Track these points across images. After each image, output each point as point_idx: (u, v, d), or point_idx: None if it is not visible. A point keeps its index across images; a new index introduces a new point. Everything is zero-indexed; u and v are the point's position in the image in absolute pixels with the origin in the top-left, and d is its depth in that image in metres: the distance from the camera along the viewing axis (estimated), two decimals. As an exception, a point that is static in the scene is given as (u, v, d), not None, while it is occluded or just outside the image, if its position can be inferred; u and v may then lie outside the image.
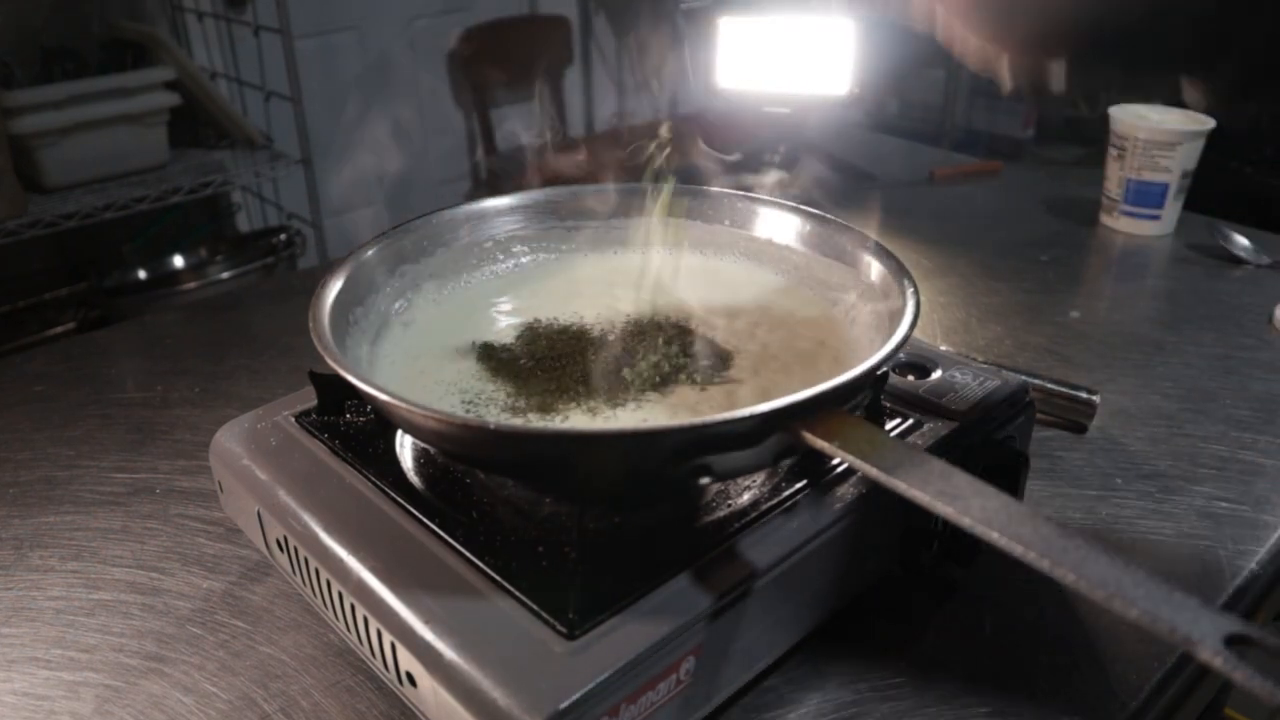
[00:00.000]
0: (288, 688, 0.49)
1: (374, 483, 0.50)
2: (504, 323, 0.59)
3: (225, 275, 1.96)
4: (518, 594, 0.42)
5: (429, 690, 0.41)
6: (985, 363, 0.63)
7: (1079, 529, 0.43)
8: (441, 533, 0.46)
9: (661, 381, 0.51)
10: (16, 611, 0.56)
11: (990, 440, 0.55)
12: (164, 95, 1.83)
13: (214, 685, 0.50)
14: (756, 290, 0.61)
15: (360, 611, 0.44)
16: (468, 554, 0.45)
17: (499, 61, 2.66)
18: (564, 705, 0.37)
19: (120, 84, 1.78)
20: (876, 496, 0.49)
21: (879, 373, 0.49)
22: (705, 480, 0.47)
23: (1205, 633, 0.29)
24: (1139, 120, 1.03)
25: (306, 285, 0.53)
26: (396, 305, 0.58)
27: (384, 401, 0.41)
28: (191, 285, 1.95)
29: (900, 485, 0.37)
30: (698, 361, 0.53)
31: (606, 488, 0.47)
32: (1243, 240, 1.02)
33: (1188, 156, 1.03)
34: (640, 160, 0.60)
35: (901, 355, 0.60)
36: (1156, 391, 0.76)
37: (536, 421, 0.48)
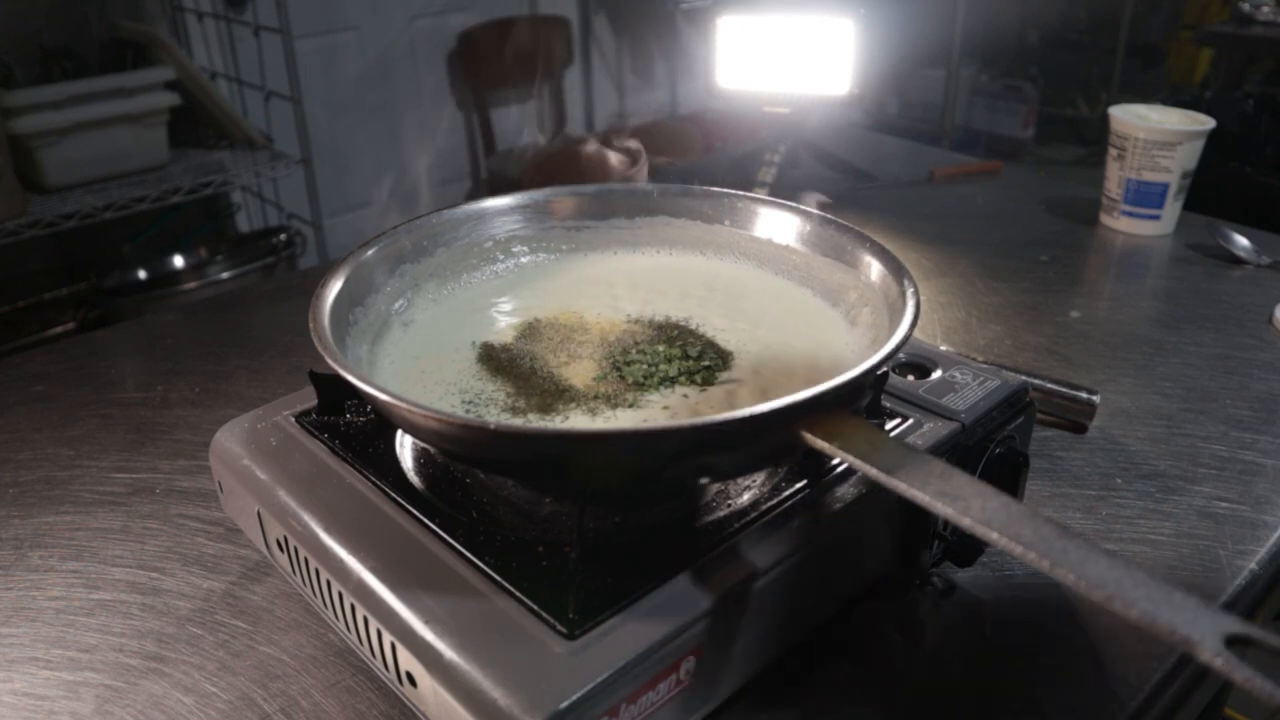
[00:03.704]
0: (288, 688, 0.49)
1: (374, 483, 0.50)
2: (504, 323, 0.59)
3: (225, 275, 1.96)
4: (518, 594, 0.42)
5: (429, 690, 0.41)
6: (985, 363, 0.63)
7: (1079, 529, 0.43)
8: (441, 533, 0.46)
9: (661, 382, 0.51)
10: (16, 611, 0.56)
11: (990, 440, 0.55)
12: (164, 95, 1.83)
13: (214, 685, 0.50)
14: (757, 290, 0.61)
15: (360, 611, 0.44)
16: (468, 554, 0.45)
17: (499, 61, 2.66)
18: (564, 705, 0.37)
19: (120, 84, 1.78)
20: (876, 496, 0.49)
21: (879, 373, 0.49)
22: (706, 480, 0.47)
23: (1205, 633, 0.29)
24: (1139, 120, 1.03)
25: (306, 285, 0.53)
26: (396, 305, 0.58)
27: (384, 401, 0.41)
28: (191, 285, 1.95)
29: (900, 485, 0.37)
30: (698, 362, 0.53)
31: (607, 488, 0.47)
32: (1243, 240, 1.02)
33: (1188, 156, 1.03)
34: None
35: (901, 355, 0.60)
36: (1156, 391, 0.76)
37: (536, 421, 0.48)
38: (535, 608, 0.41)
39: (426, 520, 0.47)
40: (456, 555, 0.45)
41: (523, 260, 0.65)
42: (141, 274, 2.00)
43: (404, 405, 0.41)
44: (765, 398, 0.40)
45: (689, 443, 0.41)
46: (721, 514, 0.47)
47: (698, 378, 0.52)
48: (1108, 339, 0.86)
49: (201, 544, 0.61)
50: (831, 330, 0.57)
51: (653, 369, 0.52)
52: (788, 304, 0.60)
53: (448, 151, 2.76)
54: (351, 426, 0.55)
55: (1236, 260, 1.00)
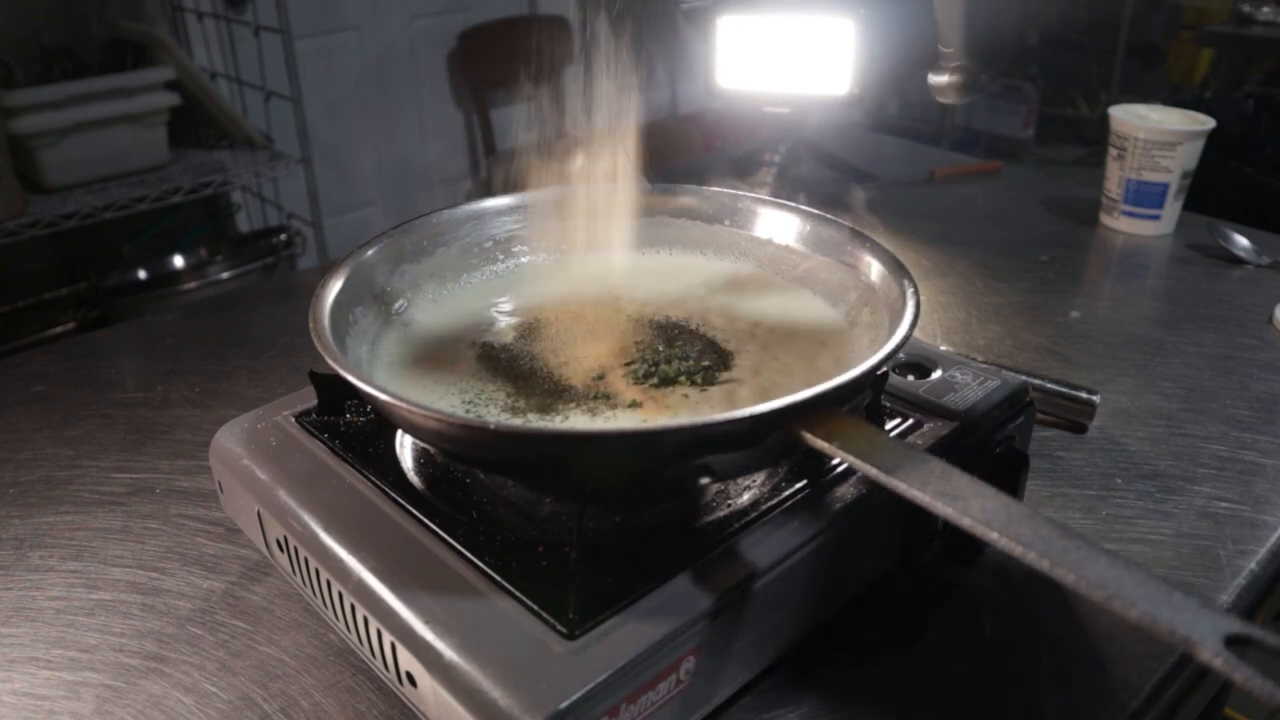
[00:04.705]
0: (288, 688, 0.49)
1: (374, 483, 0.50)
2: (504, 323, 0.59)
3: (225, 275, 1.96)
4: (518, 594, 0.42)
5: (429, 690, 0.41)
6: (985, 363, 0.63)
7: (1079, 529, 0.43)
8: (441, 533, 0.46)
9: (662, 382, 0.51)
10: (16, 611, 0.56)
11: (990, 440, 0.55)
12: (164, 95, 1.83)
13: (214, 685, 0.50)
14: (756, 290, 0.61)
15: (360, 611, 0.44)
16: (468, 554, 0.45)
17: (499, 61, 2.66)
18: (564, 705, 0.37)
19: (120, 84, 1.78)
20: (876, 496, 0.49)
21: (879, 373, 0.49)
22: (706, 480, 0.47)
23: (1205, 633, 0.29)
24: (1139, 120, 1.03)
25: (306, 285, 0.53)
26: (396, 305, 0.58)
27: (384, 401, 0.41)
28: (191, 285, 1.95)
29: (900, 485, 0.37)
30: (698, 361, 0.53)
31: (606, 488, 0.47)
32: (1243, 240, 1.02)
33: (1188, 156, 1.03)
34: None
35: (901, 355, 0.60)
36: (1156, 391, 0.76)
37: (536, 421, 0.48)
38: (535, 608, 0.41)
39: (426, 520, 0.47)
40: (456, 555, 0.45)
41: (523, 260, 0.65)
42: (141, 274, 2.00)
43: (404, 405, 0.41)
44: (765, 398, 0.40)
45: (689, 443, 0.41)
46: (721, 514, 0.47)
47: (698, 378, 0.52)
48: (1108, 339, 0.86)
49: (201, 544, 0.61)
50: (831, 330, 0.57)
51: (653, 369, 0.52)
52: (788, 304, 0.60)
53: (448, 151, 2.76)
54: (351, 426, 0.55)
55: (1236, 260, 1.00)
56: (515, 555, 0.44)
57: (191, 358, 0.86)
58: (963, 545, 0.55)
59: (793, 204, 0.62)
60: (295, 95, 1.96)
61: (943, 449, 0.53)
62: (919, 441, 0.53)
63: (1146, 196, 1.05)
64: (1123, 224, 1.08)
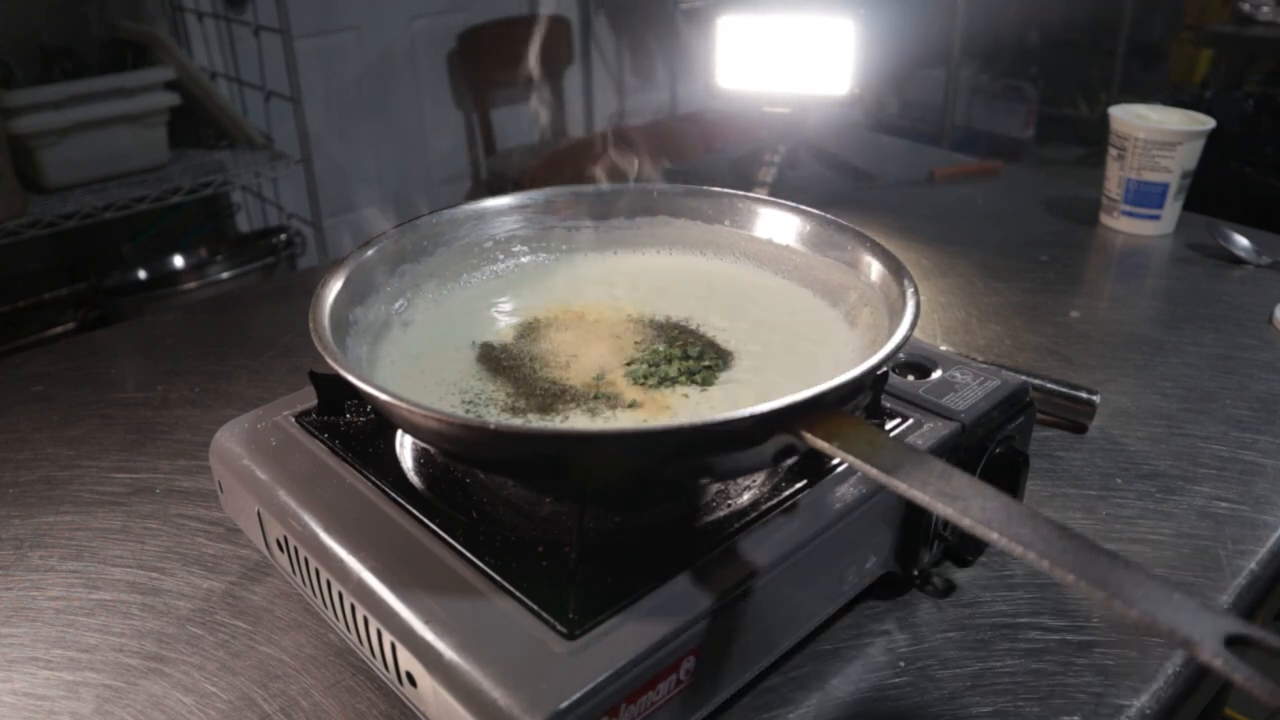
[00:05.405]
0: (288, 688, 0.49)
1: (374, 483, 0.50)
2: (504, 323, 0.59)
3: (225, 275, 1.96)
4: (518, 594, 0.42)
5: (429, 690, 0.41)
6: (985, 363, 0.63)
7: (1079, 529, 0.43)
8: (441, 533, 0.46)
9: (662, 382, 0.51)
10: (16, 611, 0.56)
11: (990, 440, 0.55)
12: (164, 95, 1.83)
13: (214, 685, 0.50)
14: (756, 290, 0.61)
15: (360, 611, 0.44)
16: (468, 554, 0.45)
17: (499, 61, 2.66)
18: (564, 705, 0.37)
19: (120, 84, 1.78)
20: (876, 496, 0.49)
21: (879, 373, 0.49)
22: (706, 480, 0.47)
23: (1205, 633, 0.29)
24: (1139, 120, 1.03)
25: (306, 285, 0.53)
26: (396, 305, 0.58)
27: (384, 401, 0.41)
28: (191, 285, 1.95)
29: (900, 485, 0.37)
30: (698, 361, 0.53)
31: (607, 488, 0.47)
32: (1243, 240, 1.02)
33: (1188, 156, 1.03)
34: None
35: (901, 355, 0.60)
36: (1156, 391, 0.76)
37: (536, 421, 0.48)
38: (535, 608, 0.41)
39: (426, 520, 0.47)
40: (456, 555, 0.45)
41: (523, 260, 0.65)
42: (141, 274, 2.00)
43: (404, 405, 0.41)
44: (765, 398, 0.40)
45: (689, 443, 0.41)
46: (721, 514, 0.47)
47: (698, 378, 0.52)
48: (1108, 339, 0.86)
49: (201, 544, 0.61)
50: (831, 330, 0.56)
51: (653, 369, 0.52)
52: (788, 304, 0.60)
53: (448, 151, 2.76)
54: (351, 426, 0.55)
55: (1236, 260, 1.00)
56: (515, 555, 0.44)
57: (191, 358, 0.86)
58: (963, 545, 0.55)
59: (793, 204, 0.62)
60: (295, 95, 1.96)
61: (943, 449, 0.53)
62: (919, 441, 0.53)
63: (1146, 196, 1.05)
64: (1123, 224, 1.08)
